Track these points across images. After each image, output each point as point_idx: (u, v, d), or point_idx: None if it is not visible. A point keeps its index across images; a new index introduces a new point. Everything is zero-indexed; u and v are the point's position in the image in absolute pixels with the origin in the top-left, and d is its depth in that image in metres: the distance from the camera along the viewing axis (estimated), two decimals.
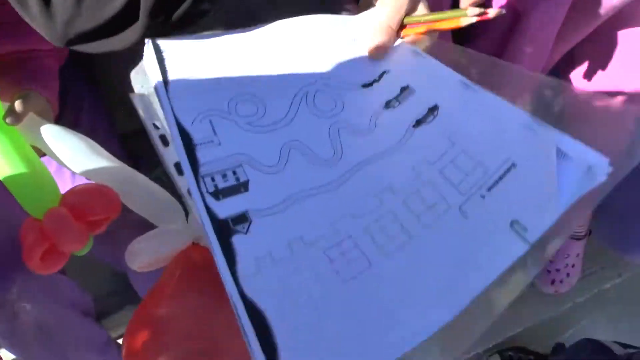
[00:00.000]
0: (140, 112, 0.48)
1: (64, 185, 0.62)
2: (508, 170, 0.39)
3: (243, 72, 0.49)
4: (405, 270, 0.37)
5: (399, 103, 0.48)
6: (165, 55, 0.47)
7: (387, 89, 0.49)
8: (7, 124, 0.50)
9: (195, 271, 0.49)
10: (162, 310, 0.46)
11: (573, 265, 1.07)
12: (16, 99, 0.52)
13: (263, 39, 0.51)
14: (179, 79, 0.46)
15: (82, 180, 0.54)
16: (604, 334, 1.08)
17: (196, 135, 0.43)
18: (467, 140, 0.42)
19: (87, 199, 0.48)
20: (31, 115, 0.53)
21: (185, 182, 0.43)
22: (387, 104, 0.48)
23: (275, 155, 0.45)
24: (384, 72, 0.50)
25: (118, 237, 0.72)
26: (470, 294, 0.34)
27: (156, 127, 0.48)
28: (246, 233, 0.39)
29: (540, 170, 0.37)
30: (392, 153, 0.45)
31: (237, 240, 0.39)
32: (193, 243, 0.53)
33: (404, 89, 0.48)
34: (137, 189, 0.52)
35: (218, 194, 0.40)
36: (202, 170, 0.41)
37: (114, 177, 0.51)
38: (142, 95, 0.49)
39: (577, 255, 1.06)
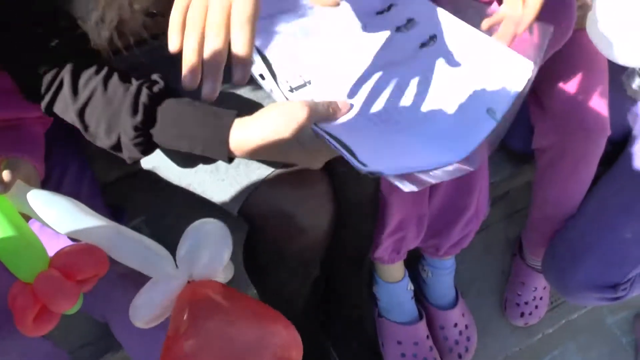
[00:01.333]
0: None
1: (48, 241, 0.63)
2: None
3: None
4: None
5: (407, 30, 0.64)
6: None
7: (396, 17, 0.65)
8: None
9: (201, 305, 0.52)
10: (184, 345, 0.49)
11: (541, 298, 1.11)
12: (3, 168, 0.54)
13: None
14: None
15: (65, 237, 0.55)
16: None
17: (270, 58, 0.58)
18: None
19: (76, 259, 0.50)
20: (18, 182, 0.54)
21: (267, 84, 0.56)
22: (398, 29, 0.64)
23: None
24: (391, 5, 0.66)
25: (103, 289, 0.73)
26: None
27: None
28: None
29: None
30: (403, 64, 0.62)
31: None
32: (189, 282, 0.54)
33: (409, 20, 0.64)
34: (124, 243, 0.54)
35: (292, 90, 0.56)
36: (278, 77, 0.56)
37: (101, 234, 0.53)
38: None
39: (544, 287, 1.11)
